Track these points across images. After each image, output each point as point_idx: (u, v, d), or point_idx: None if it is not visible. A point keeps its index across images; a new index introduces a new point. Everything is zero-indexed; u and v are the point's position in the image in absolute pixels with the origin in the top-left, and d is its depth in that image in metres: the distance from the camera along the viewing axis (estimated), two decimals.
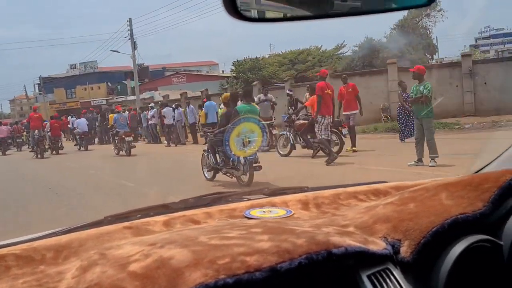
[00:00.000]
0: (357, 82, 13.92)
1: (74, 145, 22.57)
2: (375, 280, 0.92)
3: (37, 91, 71.20)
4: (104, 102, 52.74)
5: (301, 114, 12.40)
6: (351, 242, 0.93)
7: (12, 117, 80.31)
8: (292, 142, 11.91)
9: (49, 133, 20.17)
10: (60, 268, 0.99)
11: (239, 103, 9.15)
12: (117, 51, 33.93)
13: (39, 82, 67.42)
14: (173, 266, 0.84)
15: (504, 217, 1.02)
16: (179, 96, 27.91)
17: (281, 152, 12.11)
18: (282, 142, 12.29)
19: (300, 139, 11.92)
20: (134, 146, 16.45)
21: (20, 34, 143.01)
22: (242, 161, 8.03)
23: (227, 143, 7.94)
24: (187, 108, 20.37)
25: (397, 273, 0.95)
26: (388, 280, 0.92)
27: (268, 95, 15.37)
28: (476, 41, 60.65)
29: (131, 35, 31.67)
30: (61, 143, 20.86)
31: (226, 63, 61.95)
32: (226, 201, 1.50)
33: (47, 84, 61.01)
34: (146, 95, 39.16)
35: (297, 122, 11.96)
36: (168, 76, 49.85)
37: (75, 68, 64.25)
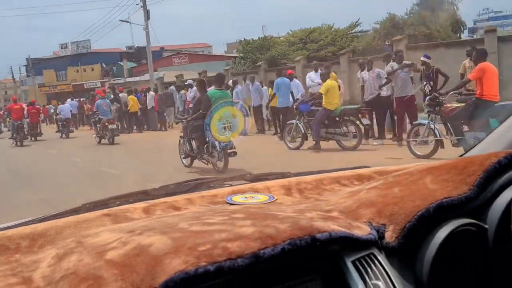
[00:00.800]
0: (437, 57, 11.13)
1: (56, 132, 21.70)
2: (359, 266, 0.91)
3: (24, 73, 66.24)
4: (99, 84, 48.26)
5: (451, 93, 8.18)
6: (335, 227, 0.91)
7: None
8: (439, 135, 7.81)
9: (27, 119, 19.73)
10: (36, 257, 0.96)
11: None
12: (127, 21, 30.57)
13: (26, 64, 61.53)
14: (152, 253, 0.81)
15: (489, 201, 1.01)
16: (192, 77, 24.11)
17: (417, 152, 8.12)
18: (422, 136, 8.13)
19: (450, 132, 7.74)
20: (118, 134, 15.59)
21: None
22: (217, 147, 7.99)
23: (207, 128, 7.91)
24: (250, 85, 15.62)
25: (382, 258, 0.94)
26: (372, 265, 0.91)
27: (405, 61, 10.15)
28: (475, 24, 60.24)
29: (144, 2, 28.06)
30: (40, 130, 20.45)
31: (218, 46, 59.47)
32: (207, 187, 1.48)
33: (36, 65, 56.16)
34: (154, 76, 35.81)
35: (448, 105, 7.88)
36: (168, 57, 45.62)
37: (66, 47, 58.08)
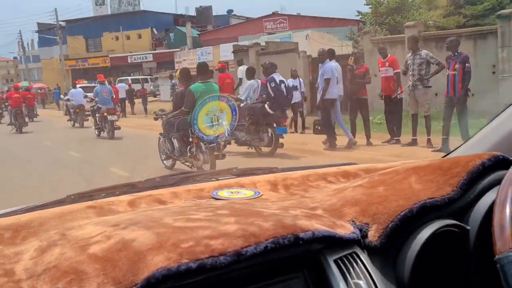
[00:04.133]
0: None
1: (67, 121, 19.23)
2: (342, 264, 0.91)
3: (28, 45, 49.85)
4: (150, 57, 35.20)
5: None
6: (319, 226, 0.92)
7: None
8: None
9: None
10: (18, 248, 0.96)
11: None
12: None
13: (38, 30, 44.75)
14: (135, 248, 0.82)
15: (472, 202, 1.02)
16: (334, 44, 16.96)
17: None
18: None
19: None
20: (119, 128, 13.28)
21: None
22: (203, 148, 7.05)
23: (195, 122, 6.95)
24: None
25: (364, 257, 0.94)
26: (355, 264, 0.92)
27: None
28: None
29: None
30: (36, 112, 20.20)
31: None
32: (193, 181, 1.48)
33: (53, 31, 38.90)
34: (263, 38, 23.09)
35: None
36: (256, 21, 32.79)
37: (103, 4, 41.29)
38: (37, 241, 0.97)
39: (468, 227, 0.99)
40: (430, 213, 0.98)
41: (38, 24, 44.81)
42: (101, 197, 1.32)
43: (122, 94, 21.17)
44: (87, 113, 17.34)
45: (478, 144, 1.30)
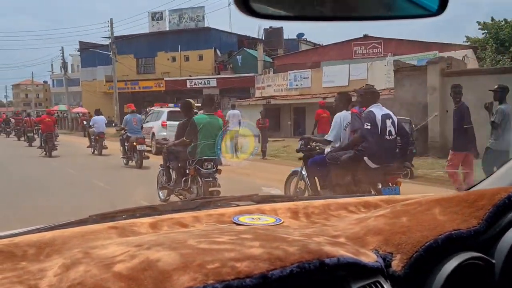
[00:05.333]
0: None
1: (87, 147, 18.96)
2: None
3: (69, 69, 44.96)
4: (213, 83, 29.99)
5: None
6: (344, 253, 0.92)
7: (15, 105, 68.36)
8: None
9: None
10: (42, 265, 0.97)
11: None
12: None
13: (79, 49, 40.00)
14: (160, 268, 0.82)
15: (498, 236, 1.02)
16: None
17: None
18: None
19: None
20: (148, 157, 12.99)
21: None
22: (199, 182, 6.79)
23: (218, 148, 6.84)
24: None
25: (387, 286, 0.93)
26: None
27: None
28: None
29: None
30: (55, 137, 20.08)
31: None
32: (214, 206, 1.49)
33: (101, 48, 33.48)
34: (389, 60, 20.04)
35: None
36: (345, 43, 27.19)
37: (161, 19, 35.57)
38: (60, 259, 0.98)
39: (493, 261, 0.98)
40: (455, 245, 0.98)
41: (80, 43, 39.90)
42: (122, 218, 1.33)
43: (234, 125, 14.60)
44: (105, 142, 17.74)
45: (502, 178, 1.30)
